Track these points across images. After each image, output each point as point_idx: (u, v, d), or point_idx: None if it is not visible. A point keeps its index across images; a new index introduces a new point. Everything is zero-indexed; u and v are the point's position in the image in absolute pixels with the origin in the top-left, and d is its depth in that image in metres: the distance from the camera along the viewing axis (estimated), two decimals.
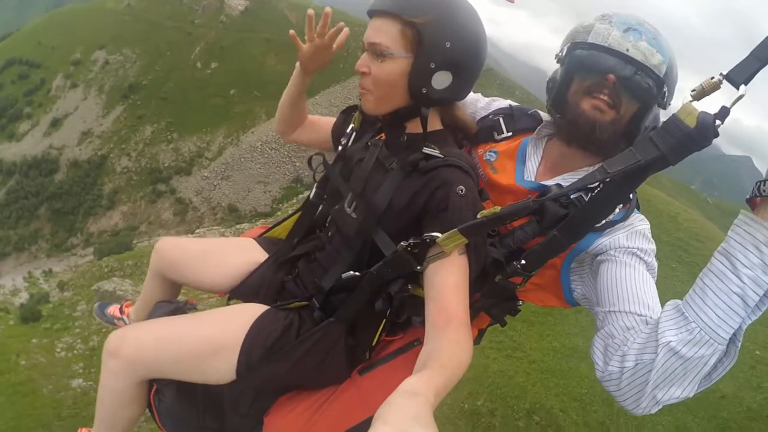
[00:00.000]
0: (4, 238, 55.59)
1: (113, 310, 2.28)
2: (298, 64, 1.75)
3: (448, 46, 1.32)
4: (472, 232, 1.25)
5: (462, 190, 1.33)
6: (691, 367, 1.05)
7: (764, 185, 0.98)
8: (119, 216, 55.17)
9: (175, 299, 1.90)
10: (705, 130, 1.11)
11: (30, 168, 60.42)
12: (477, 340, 1.79)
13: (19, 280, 40.22)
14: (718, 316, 1.02)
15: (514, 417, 6.44)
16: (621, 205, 1.35)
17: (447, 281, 1.26)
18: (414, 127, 1.46)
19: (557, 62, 1.52)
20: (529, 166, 1.58)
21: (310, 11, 1.52)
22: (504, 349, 7.86)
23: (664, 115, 1.43)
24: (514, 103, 1.79)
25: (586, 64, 1.39)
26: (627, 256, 1.33)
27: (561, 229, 1.32)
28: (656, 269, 1.36)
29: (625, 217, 1.38)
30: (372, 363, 1.53)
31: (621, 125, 1.39)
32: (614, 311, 1.26)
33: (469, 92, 1.50)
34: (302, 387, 1.50)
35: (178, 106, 60.83)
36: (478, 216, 1.26)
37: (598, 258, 1.37)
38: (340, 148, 1.72)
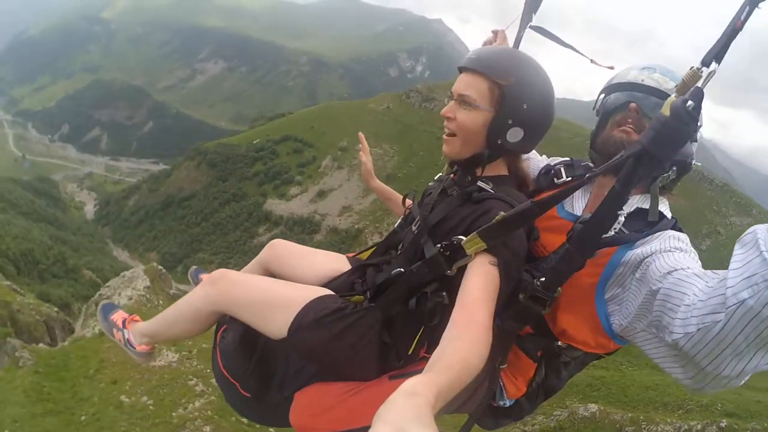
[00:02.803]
0: None
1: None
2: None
3: (525, 107, 1.55)
4: (489, 236, 1.34)
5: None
6: None
7: None
8: None
9: None
10: (678, 114, 1.15)
11: (295, 224, 75.20)
12: (528, 405, 1.78)
13: None
14: None
15: None
16: (625, 212, 1.39)
17: (474, 286, 1.34)
18: (480, 171, 1.68)
19: (596, 115, 1.71)
20: (575, 206, 1.70)
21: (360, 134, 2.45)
22: None
23: (698, 149, 1.53)
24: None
25: (612, 102, 1.59)
26: (669, 252, 1.31)
27: (571, 241, 1.36)
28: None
29: (654, 231, 1.41)
30: (405, 372, 1.61)
31: None
32: (675, 270, 1.22)
33: (535, 147, 1.73)
34: (334, 369, 1.61)
35: None
36: (493, 220, 1.35)
37: (639, 268, 1.34)
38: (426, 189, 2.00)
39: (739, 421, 7.95)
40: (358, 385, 1.60)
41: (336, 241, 69.40)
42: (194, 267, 2.96)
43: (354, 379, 1.61)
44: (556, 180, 1.85)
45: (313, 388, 1.64)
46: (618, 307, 1.42)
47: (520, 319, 1.53)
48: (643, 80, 1.54)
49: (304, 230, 73.11)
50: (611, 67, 1.80)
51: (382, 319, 1.60)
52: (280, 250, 2.15)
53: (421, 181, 75.68)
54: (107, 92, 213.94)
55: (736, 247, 1.01)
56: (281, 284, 1.80)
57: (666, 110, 1.20)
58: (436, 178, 2.04)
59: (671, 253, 1.31)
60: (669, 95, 1.42)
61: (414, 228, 1.78)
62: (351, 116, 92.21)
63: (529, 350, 1.65)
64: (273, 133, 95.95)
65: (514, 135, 1.60)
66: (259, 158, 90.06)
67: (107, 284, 18.14)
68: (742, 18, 1.16)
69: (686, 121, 1.17)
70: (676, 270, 1.22)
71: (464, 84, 1.63)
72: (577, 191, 1.72)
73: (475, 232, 1.38)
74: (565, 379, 1.76)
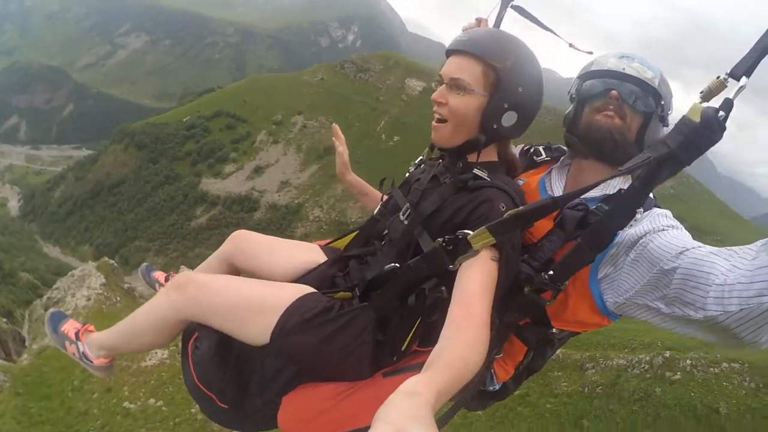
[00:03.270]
0: (201, 255, 66.45)
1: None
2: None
3: (521, 90, 1.51)
4: (499, 231, 1.29)
5: (503, 207, 1.42)
6: None
7: None
8: None
9: None
10: (709, 122, 1.17)
11: (233, 203, 73.48)
12: (513, 385, 1.84)
13: None
14: None
15: None
16: (641, 209, 1.39)
17: (473, 281, 1.30)
18: (472, 158, 1.63)
19: (570, 101, 1.71)
20: (555, 189, 1.73)
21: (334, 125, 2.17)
22: None
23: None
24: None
25: (592, 88, 1.60)
26: (662, 232, 1.35)
27: (585, 237, 1.36)
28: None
29: (643, 210, 1.44)
30: (399, 368, 1.57)
31: (630, 134, 1.54)
32: (687, 249, 1.24)
33: (525, 131, 1.66)
34: (325, 371, 1.53)
35: (365, 171, 69.52)
36: (505, 215, 1.30)
37: (634, 249, 1.37)
38: (407, 174, 1.93)
39: (679, 353, 9.12)
40: (351, 386, 1.52)
41: (276, 218, 68.85)
42: (145, 264, 2.68)
43: (345, 380, 1.53)
44: (535, 158, 1.91)
45: (302, 392, 1.55)
46: (609, 285, 1.45)
47: (523, 311, 1.53)
48: (623, 69, 1.56)
49: (242, 208, 71.82)
50: (590, 53, 1.81)
51: (375, 318, 1.52)
52: (245, 242, 1.97)
53: (359, 152, 75.41)
54: (24, 75, 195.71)
55: None
56: (256, 284, 1.65)
57: (695, 116, 1.20)
58: (416, 162, 2.00)
59: (666, 232, 1.34)
60: (648, 84, 1.52)
61: (403, 217, 1.68)
62: (284, 89, 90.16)
63: (528, 339, 1.65)
64: (203, 109, 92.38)
65: (509, 119, 1.55)
66: (191, 136, 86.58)
67: (56, 286, 16.70)
68: None
69: (716, 130, 1.19)
70: (687, 249, 1.25)
71: (456, 67, 1.55)
72: (554, 172, 1.80)
73: (484, 227, 1.30)
74: (548, 358, 1.81)
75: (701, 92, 1.25)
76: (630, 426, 7.93)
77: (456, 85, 1.53)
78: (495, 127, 1.55)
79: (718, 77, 1.21)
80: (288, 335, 1.47)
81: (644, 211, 1.44)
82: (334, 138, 2.19)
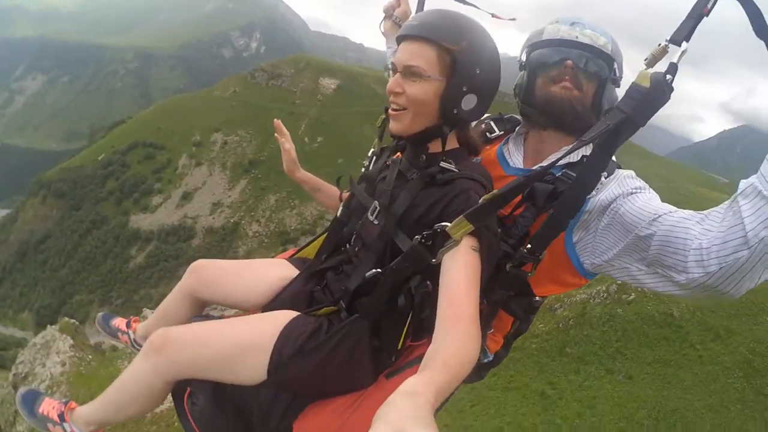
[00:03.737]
0: (146, 296, 64.54)
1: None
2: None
3: (478, 72, 1.46)
4: (477, 217, 1.30)
5: (477, 196, 1.38)
6: None
7: None
8: None
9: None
10: (659, 86, 1.23)
11: (168, 235, 71.11)
12: (504, 352, 1.86)
13: None
14: None
15: None
16: (606, 172, 1.44)
17: (459, 278, 1.30)
18: (433, 147, 1.58)
19: (520, 69, 1.71)
20: (515, 161, 1.72)
21: (277, 120, 2.08)
22: None
23: (620, 93, 1.56)
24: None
25: (546, 58, 1.59)
26: (631, 196, 1.40)
27: (557, 207, 1.40)
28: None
29: (608, 174, 1.49)
30: (398, 367, 1.57)
31: (587, 102, 1.56)
32: (660, 215, 1.30)
33: (486, 112, 1.60)
34: (329, 390, 1.52)
35: None
36: (480, 201, 1.29)
37: (606, 214, 1.42)
38: (363, 170, 1.88)
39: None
40: (358, 396, 1.52)
41: (215, 241, 67.55)
42: (101, 314, 2.43)
43: (350, 392, 1.53)
44: (489, 135, 1.88)
45: (311, 415, 1.52)
46: (583, 248, 1.51)
47: (508, 287, 1.55)
48: (577, 37, 1.56)
49: (179, 239, 69.93)
50: (513, 19, 1.83)
51: (369, 326, 1.51)
52: (206, 272, 1.87)
53: None
54: None
55: (740, 199, 1.15)
56: (236, 323, 1.59)
57: (644, 82, 1.26)
58: (369, 155, 1.96)
59: (635, 196, 1.41)
60: (602, 51, 1.56)
61: (372, 218, 1.63)
62: (197, 108, 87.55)
63: (515, 311, 1.68)
64: (117, 143, 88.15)
65: (469, 102, 1.50)
66: (110, 174, 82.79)
67: (19, 360, 15.57)
68: (709, 6, 1.25)
69: (666, 91, 1.25)
70: (659, 215, 1.31)
71: (409, 54, 1.47)
72: (511, 144, 1.79)
73: (462, 216, 1.32)
74: (531, 321, 1.86)
75: (646, 59, 1.30)
76: (606, 342, 9.47)
77: (411, 73, 1.47)
78: (455, 111, 1.50)
79: (659, 44, 1.28)
80: (286, 366, 1.46)
81: (609, 175, 1.50)
82: (277, 135, 2.11)
